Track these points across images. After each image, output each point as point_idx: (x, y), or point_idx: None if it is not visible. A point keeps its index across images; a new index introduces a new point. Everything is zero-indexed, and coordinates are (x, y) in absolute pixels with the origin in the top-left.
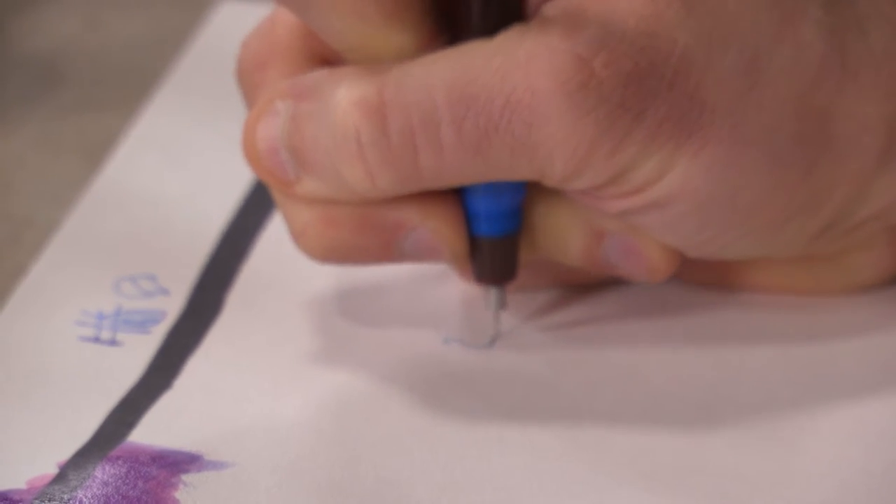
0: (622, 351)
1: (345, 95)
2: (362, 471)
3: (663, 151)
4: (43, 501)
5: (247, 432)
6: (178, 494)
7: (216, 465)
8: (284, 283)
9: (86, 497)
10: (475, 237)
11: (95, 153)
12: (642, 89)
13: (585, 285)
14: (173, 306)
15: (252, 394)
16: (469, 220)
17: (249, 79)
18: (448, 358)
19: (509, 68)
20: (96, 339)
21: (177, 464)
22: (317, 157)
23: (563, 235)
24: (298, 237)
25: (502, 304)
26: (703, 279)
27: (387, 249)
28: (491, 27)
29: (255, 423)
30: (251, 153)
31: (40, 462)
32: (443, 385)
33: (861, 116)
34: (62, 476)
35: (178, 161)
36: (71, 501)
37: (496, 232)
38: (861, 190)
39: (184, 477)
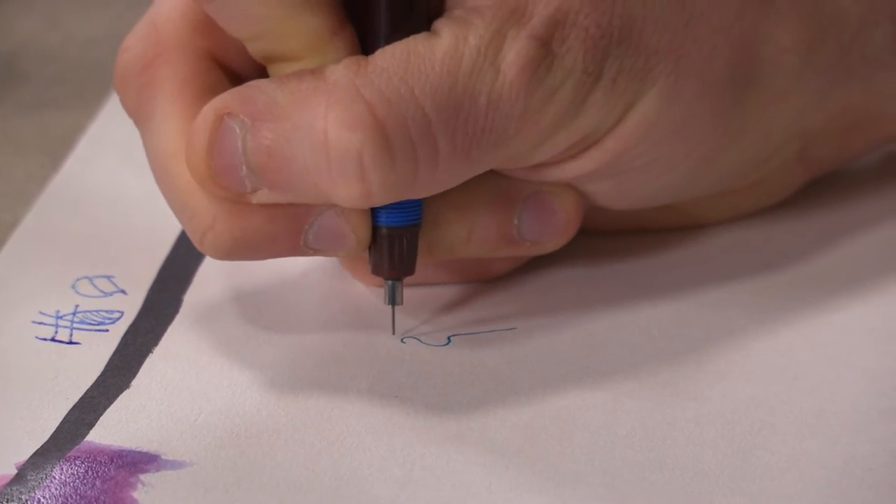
0: (579, 347)
1: (330, 115)
2: (321, 468)
3: (620, 103)
4: (1, 502)
5: (205, 431)
6: (137, 494)
7: (174, 465)
8: (242, 282)
9: (44, 497)
10: (375, 227)
11: (57, 151)
12: (597, 52)
13: (481, 280)
14: (131, 306)
15: (210, 393)
16: (371, 210)
17: (136, 80)
18: (406, 356)
19: (482, 66)
20: (54, 339)
21: (135, 463)
22: (291, 175)
23: (470, 219)
24: (206, 231)
25: (399, 300)
26: (620, 226)
27: (294, 236)
28: (401, 16)
29: (214, 421)
30: (201, 169)
31: None
32: (401, 382)
33: (780, 39)
34: (20, 476)
35: (136, 161)
36: (29, 502)
37: (397, 222)
38: (782, 111)
39: (142, 477)
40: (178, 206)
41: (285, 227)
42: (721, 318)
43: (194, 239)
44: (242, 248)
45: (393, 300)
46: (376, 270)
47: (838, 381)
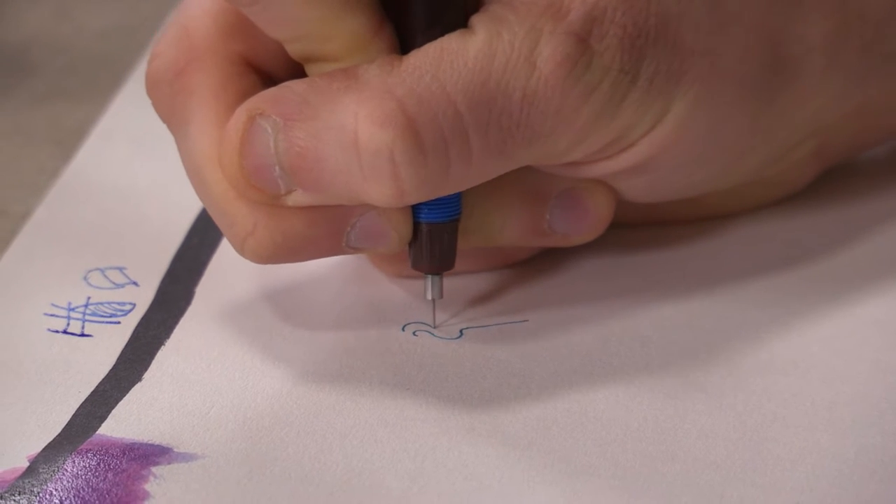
0: (591, 340)
1: (361, 114)
2: (333, 461)
3: (656, 105)
4: (13, 494)
5: (216, 424)
6: (149, 487)
7: (186, 457)
8: (254, 275)
9: (56, 490)
10: (416, 223)
11: (68, 142)
12: (634, 51)
13: (513, 265)
14: (143, 298)
15: (222, 385)
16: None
17: (169, 87)
18: (418, 349)
19: (516, 62)
20: (66, 331)
21: (147, 456)
22: (323, 176)
23: (505, 211)
24: (247, 237)
25: (440, 293)
26: (636, 218)
27: (335, 239)
28: (437, 13)
29: (225, 414)
30: (233, 171)
31: (10, 455)
32: (413, 375)
33: (807, 37)
34: (32, 469)
35: (148, 152)
36: (41, 494)
37: (437, 218)
38: (805, 110)
39: (154, 469)
40: (217, 212)
41: (327, 229)
42: (733, 311)
43: (235, 245)
44: (284, 253)
45: (434, 294)
46: (416, 265)
47: (850, 373)
